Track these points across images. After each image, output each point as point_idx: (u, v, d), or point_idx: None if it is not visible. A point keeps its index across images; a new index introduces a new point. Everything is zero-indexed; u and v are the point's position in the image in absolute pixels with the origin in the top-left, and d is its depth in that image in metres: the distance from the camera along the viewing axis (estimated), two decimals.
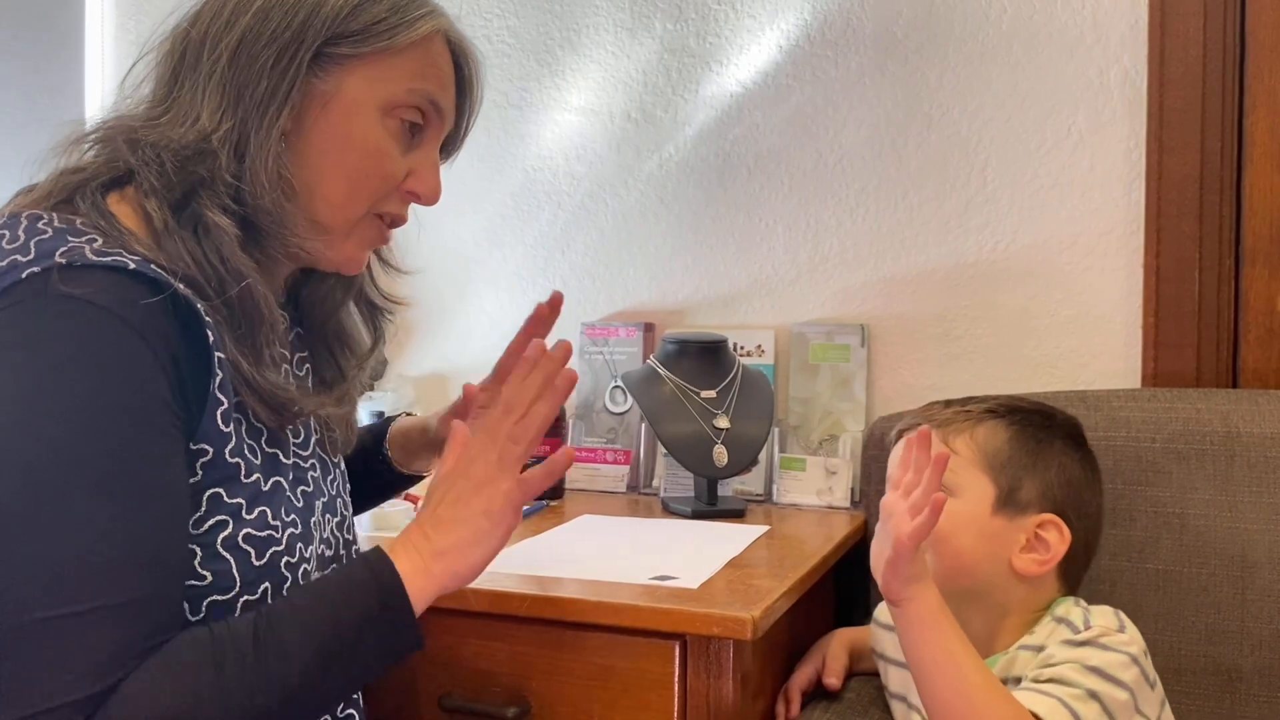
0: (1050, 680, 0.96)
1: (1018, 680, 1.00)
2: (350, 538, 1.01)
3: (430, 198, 0.95)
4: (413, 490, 1.25)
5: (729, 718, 1.04)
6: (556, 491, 1.62)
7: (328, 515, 0.96)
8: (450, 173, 2.08)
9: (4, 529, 0.70)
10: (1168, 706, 1.04)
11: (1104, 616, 1.03)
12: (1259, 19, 1.45)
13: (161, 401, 0.76)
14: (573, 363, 1.79)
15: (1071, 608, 1.06)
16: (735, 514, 1.49)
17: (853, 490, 1.58)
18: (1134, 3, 1.53)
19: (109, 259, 0.74)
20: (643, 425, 1.70)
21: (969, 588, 1.06)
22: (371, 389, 1.91)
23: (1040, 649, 1.02)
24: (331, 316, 1.01)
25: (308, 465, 0.94)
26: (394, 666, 0.84)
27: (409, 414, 1.22)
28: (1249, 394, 1.33)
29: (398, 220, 0.95)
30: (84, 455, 0.72)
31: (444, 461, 0.91)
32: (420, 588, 0.84)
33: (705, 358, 1.57)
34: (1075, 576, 1.11)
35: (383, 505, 1.24)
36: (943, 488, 0.99)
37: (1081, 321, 1.57)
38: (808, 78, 1.71)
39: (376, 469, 1.17)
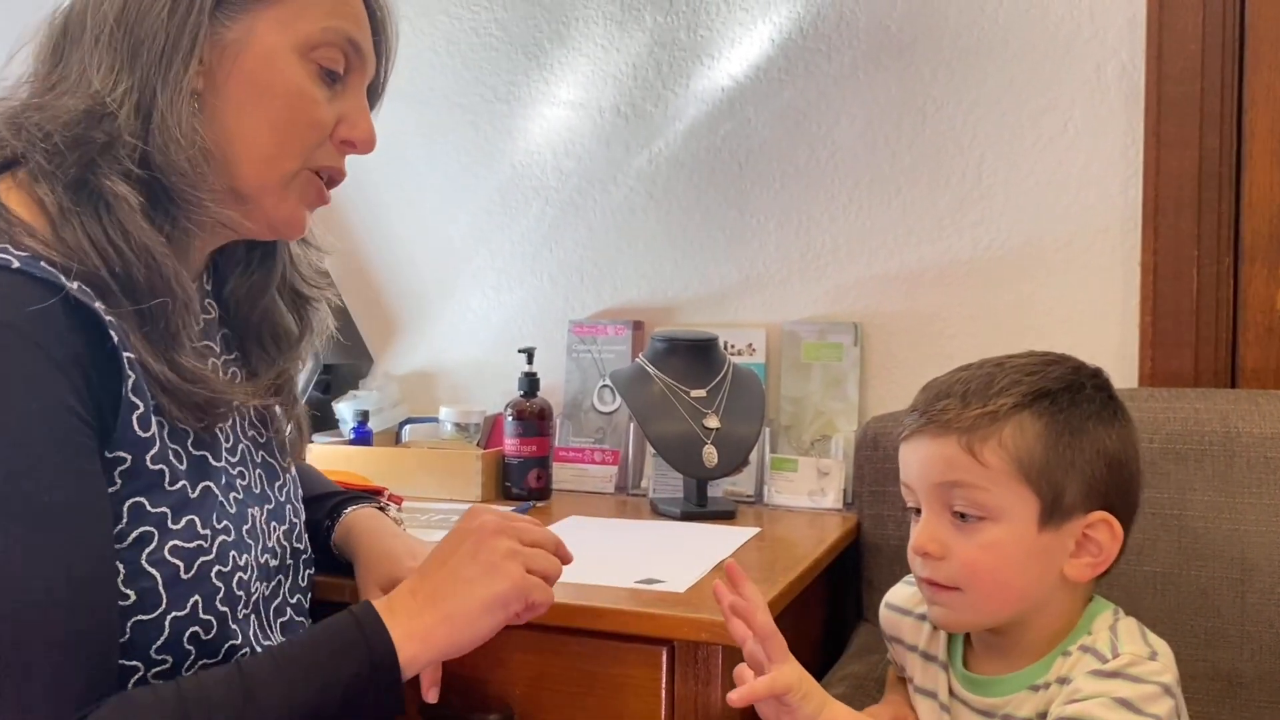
0: (1076, 718, 0.87)
1: (1064, 680, 0.91)
2: (301, 546, 0.96)
3: (366, 144, 0.89)
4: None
5: None
6: (543, 492, 1.60)
7: (274, 523, 0.91)
8: (435, 167, 2.07)
9: None
10: None
11: (1133, 642, 0.92)
12: (1258, 13, 1.43)
13: (66, 408, 0.70)
14: (559, 360, 1.78)
15: (1101, 631, 0.93)
16: (725, 515, 1.46)
17: (845, 491, 1.56)
18: None
19: None
20: (631, 425, 1.67)
21: (1023, 609, 0.94)
22: (355, 387, 1.88)
23: (1066, 680, 0.91)
24: (257, 309, 0.95)
25: (239, 469, 0.88)
26: None
27: (381, 507, 1.12)
28: (1248, 394, 1.31)
29: (335, 176, 0.89)
30: (17, 495, 0.66)
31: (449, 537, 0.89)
32: (412, 655, 0.81)
33: (695, 356, 1.54)
34: (1113, 568, 0.98)
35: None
36: (977, 512, 0.92)
37: (1078, 320, 1.54)
38: (800, 72, 1.69)
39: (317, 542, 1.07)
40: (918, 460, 0.96)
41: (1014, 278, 1.58)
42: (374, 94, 0.94)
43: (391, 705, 0.80)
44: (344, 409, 1.73)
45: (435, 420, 1.75)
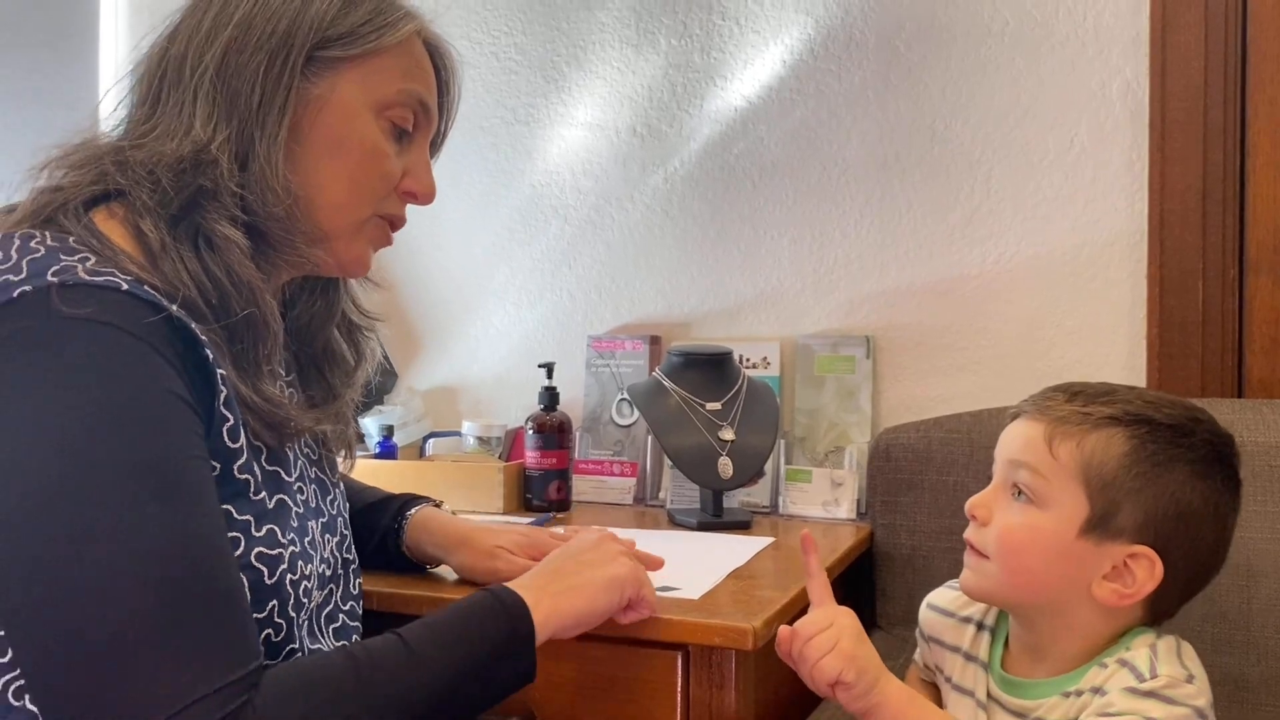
0: None
1: (1097, 690, 0.92)
2: (350, 557, 1.01)
3: (427, 196, 0.96)
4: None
5: None
6: (563, 504, 1.63)
7: (327, 535, 0.96)
8: (458, 187, 2.11)
9: (80, 551, 0.68)
10: None
11: (1171, 663, 0.91)
12: (1260, 29, 1.46)
13: (185, 402, 0.75)
14: (578, 375, 1.82)
15: (1140, 648, 0.93)
16: (741, 526, 1.50)
17: (858, 502, 1.59)
18: (1135, 14, 1.53)
19: (101, 279, 0.73)
20: (649, 437, 1.70)
21: (1040, 603, 0.96)
22: (381, 402, 1.92)
23: (1100, 691, 0.92)
24: (320, 336, 1.01)
25: (298, 484, 0.93)
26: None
27: (437, 503, 1.20)
28: (1254, 404, 1.33)
29: (398, 221, 0.96)
30: (129, 465, 0.70)
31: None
32: (544, 618, 0.88)
33: (710, 370, 1.57)
34: (1168, 610, 0.98)
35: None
36: (1030, 495, 0.94)
37: (1085, 333, 1.57)
38: (811, 91, 1.73)
39: (386, 546, 1.16)
40: (1007, 438, 0.99)
41: (1023, 291, 1.60)
42: (434, 146, 1.01)
43: (527, 668, 0.86)
44: (369, 424, 1.78)
45: (458, 434, 1.79)
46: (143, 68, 0.88)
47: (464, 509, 1.60)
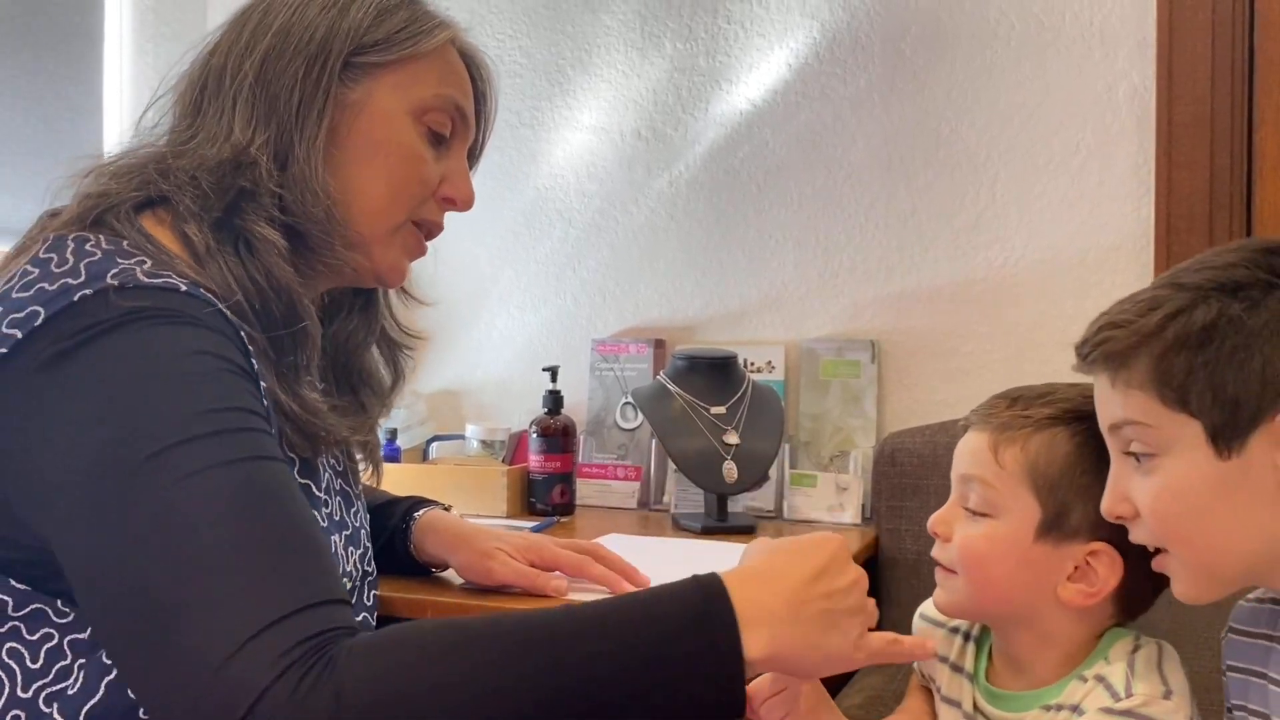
0: None
1: (1075, 708, 0.91)
2: (370, 570, 1.00)
3: (465, 203, 0.96)
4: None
5: None
6: (567, 508, 1.63)
7: (350, 548, 0.95)
8: None
9: (141, 495, 0.66)
10: None
11: (1148, 679, 0.88)
12: (1267, 33, 1.46)
13: (248, 375, 0.75)
14: (583, 379, 1.82)
15: (1118, 661, 0.91)
16: (745, 530, 1.49)
17: (863, 507, 1.58)
18: (1142, 18, 1.53)
19: (160, 280, 0.74)
20: (653, 441, 1.70)
21: (1010, 613, 0.95)
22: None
23: (1077, 709, 0.90)
24: (355, 355, 1.00)
25: (325, 496, 0.93)
26: None
27: (446, 507, 1.19)
28: None
29: (435, 229, 0.96)
30: (192, 413, 0.69)
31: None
32: (760, 645, 0.69)
33: (715, 374, 1.57)
34: (1142, 603, 0.96)
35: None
36: (982, 507, 0.93)
37: None
38: (816, 95, 1.72)
39: (394, 547, 1.14)
40: (958, 453, 0.98)
41: (1028, 295, 1.60)
42: (472, 157, 1.01)
43: (730, 698, 0.68)
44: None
45: (462, 437, 1.79)
46: (184, 83, 0.89)
47: (467, 512, 1.60)
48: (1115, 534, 0.90)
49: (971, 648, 1.03)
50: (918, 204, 1.66)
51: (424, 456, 1.79)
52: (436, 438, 1.83)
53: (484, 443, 1.75)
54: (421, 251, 0.97)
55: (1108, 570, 0.91)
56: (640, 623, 0.68)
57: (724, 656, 0.68)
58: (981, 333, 1.63)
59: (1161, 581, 0.92)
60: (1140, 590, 0.94)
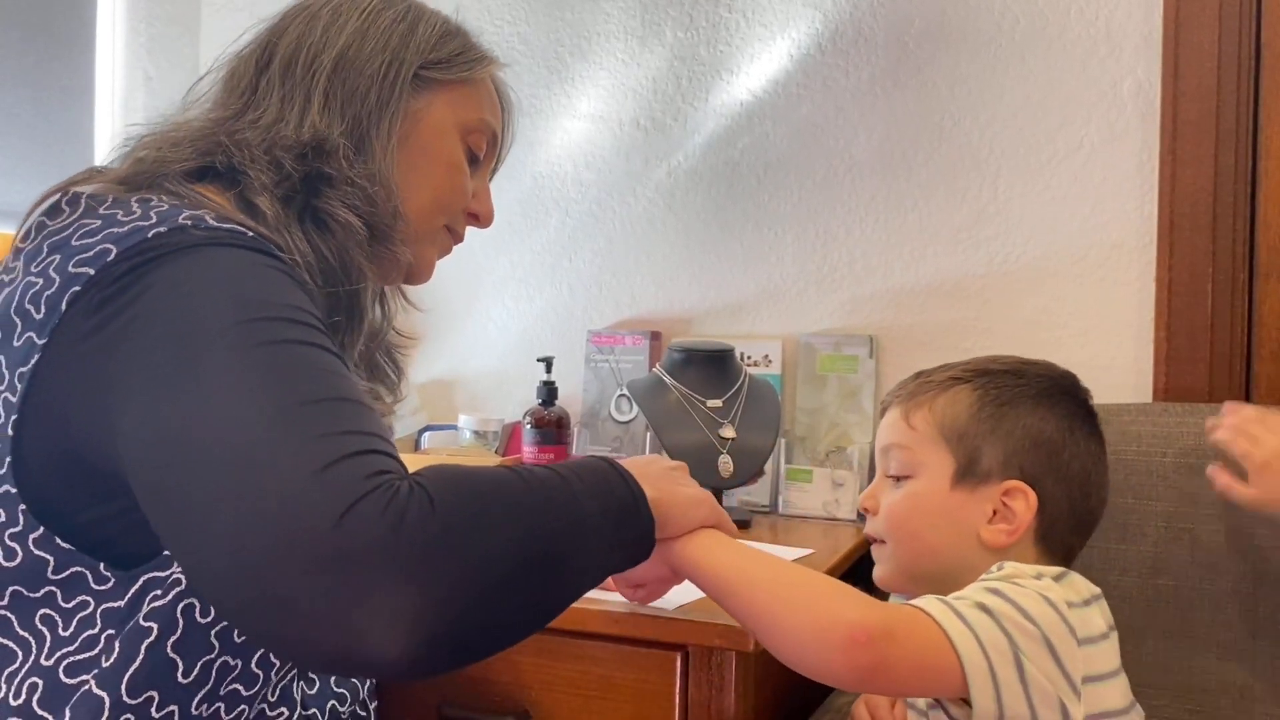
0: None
1: None
2: None
3: (488, 219, 1.04)
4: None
5: None
6: None
7: None
8: None
9: (201, 379, 0.66)
10: (1133, 710, 0.93)
11: (1026, 568, 0.92)
12: (1274, 30, 1.44)
13: (309, 308, 0.75)
14: (577, 370, 1.80)
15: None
16: (740, 525, 1.47)
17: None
18: (1148, 14, 1.52)
19: (229, 225, 0.76)
20: (648, 434, 1.68)
21: (940, 569, 0.98)
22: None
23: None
24: (373, 347, 1.01)
25: None
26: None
27: None
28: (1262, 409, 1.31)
29: (459, 239, 1.04)
30: (256, 304, 0.70)
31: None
32: (654, 498, 0.79)
33: (711, 367, 1.55)
34: (1061, 544, 1.00)
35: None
36: (903, 470, 1.00)
37: (1092, 335, 1.55)
38: (818, 87, 1.71)
39: None
40: (878, 433, 1.07)
41: (1029, 292, 1.59)
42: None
43: (647, 527, 0.78)
44: None
45: (455, 428, 1.77)
46: (242, 64, 0.92)
47: None
48: (1026, 472, 0.98)
49: None
50: (919, 199, 1.65)
51: (416, 446, 1.77)
52: (429, 428, 1.81)
53: (477, 433, 1.74)
54: (447, 252, 1.04)
55: (1024, 506, 0.97)
56: (589, 484, 0.76)
57: (637, 498, 0.78)
58: (981, 329, 1.61)
59: (1079, 524, 1.01)
60: (1058, 530, 0.99)
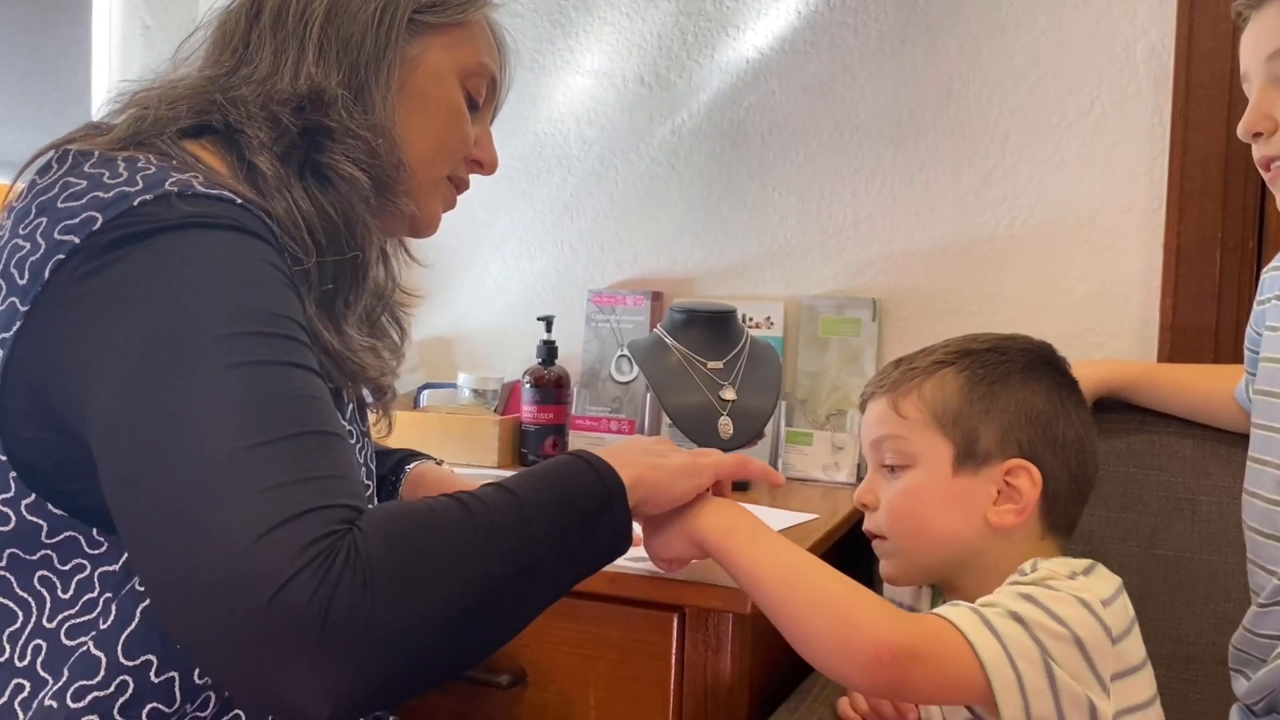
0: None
1: None
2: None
3: (492, 166, 1.02)
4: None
5: (726, 691, 1.03)
6: None
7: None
8: None
9: (191, 391, 0.66)
10: (1157, 702, 0.93)
11: (1060, 567, 0.91)
12: None
13: (294, 290, 0.75)
14: (578, 329, 1.79)
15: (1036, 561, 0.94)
16: (739, 487, 1.47)
17: (859, 466, 1.56)
18: None
19: (216, 192, 0.74)
20: (648, 395, 1.67)
21: (949, 557, 0.98)
22: None
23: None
24: (379, 305, 1.01)
25: (352, 428, 0.94)
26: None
27: (438, 461, 1.18)
28: None
29: (463, 186, 1.01)
30: (231, 312, 0.69)
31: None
32: (631, 480, 0.80)
33: (713, 328, 1.54)
34: (1065, 516, 1.00)
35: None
36: (899, 459, 0.98)
37: (1098, 300, 1.54)
38: (825, 45, 1.68)
39: (382, 496, 1.13)
40: (863, 426, 1.05)
41: (1035, 256, 1.57)
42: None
43: (624, 525, 0.80)
44: None
45: (453, 386, 1.76)
46: (231, 18, 0.89)
47: (458, 462, 1.58)
48: (1025, 449, 0.97)
49: (926, 594, 1.06)
50: (925, 160, 1.63)
51: (415, 404, 1.77)
52: (428, 385, 1.81)
53: (476, 392, 1.73)
54: (452, 204, 1.01)
55: (1028, 483, 0.96)
56: (548, 497, 0.76)
57: (610, 491, 0.79)
58: (986, 294, 1.60)
59: (1077, 493, 0.99)
60: (1061, 504, 0.98)
